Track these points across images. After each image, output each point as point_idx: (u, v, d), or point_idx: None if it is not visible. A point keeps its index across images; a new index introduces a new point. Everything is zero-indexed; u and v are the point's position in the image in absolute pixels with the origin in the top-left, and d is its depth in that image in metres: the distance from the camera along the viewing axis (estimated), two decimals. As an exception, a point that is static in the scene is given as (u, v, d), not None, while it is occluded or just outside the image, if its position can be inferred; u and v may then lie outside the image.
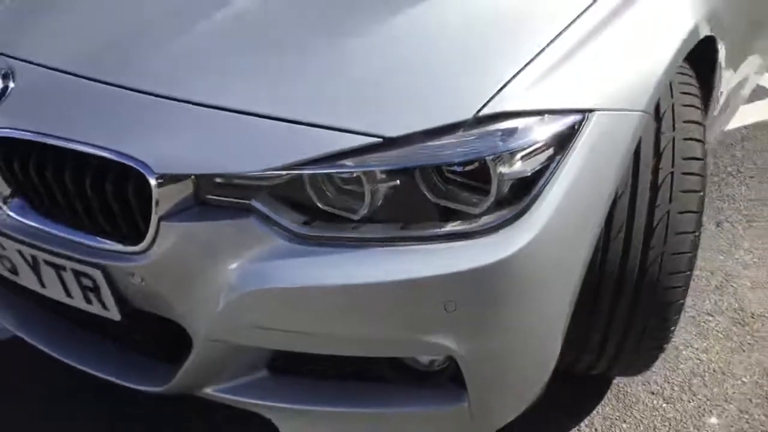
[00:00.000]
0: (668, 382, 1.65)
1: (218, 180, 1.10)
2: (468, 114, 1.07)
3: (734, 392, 1.63)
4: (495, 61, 1.13)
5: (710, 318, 1.84)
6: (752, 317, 1.84)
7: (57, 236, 1.22)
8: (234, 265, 1.11)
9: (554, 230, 1.10)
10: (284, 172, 1.07)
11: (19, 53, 1.30)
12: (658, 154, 1.28)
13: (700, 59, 1.51)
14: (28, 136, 1.19)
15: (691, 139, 1.31)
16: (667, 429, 1.55)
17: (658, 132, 1.29)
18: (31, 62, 1.27)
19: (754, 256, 2.05)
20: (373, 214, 1.10)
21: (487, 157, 1.06)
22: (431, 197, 1.09)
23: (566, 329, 1.26)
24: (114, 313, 1.24)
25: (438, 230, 1.09)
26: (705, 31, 1.41)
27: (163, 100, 1.15)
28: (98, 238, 1.19)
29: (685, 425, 1.56)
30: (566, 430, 1.55)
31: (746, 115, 2.75)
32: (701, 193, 1.30)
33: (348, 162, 1.07)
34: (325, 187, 1.10)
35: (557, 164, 1.10)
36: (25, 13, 1.46)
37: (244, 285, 1.11)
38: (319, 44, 1.20)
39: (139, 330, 1.31)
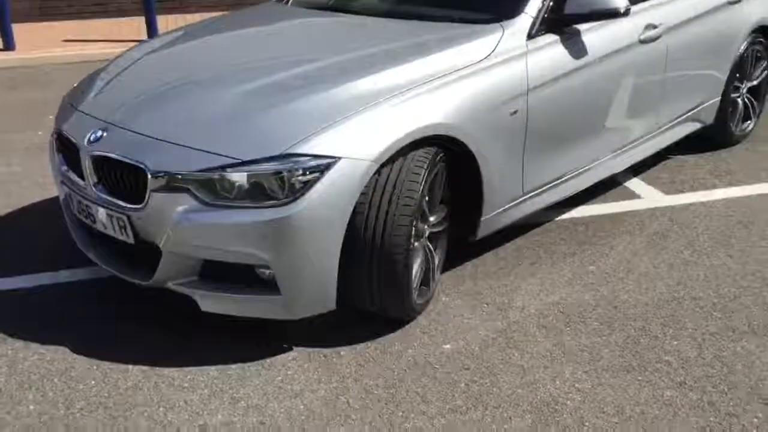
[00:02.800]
0: (440, 333, 2.86)
1: (177, 176, 2.53)
2: (279, 151, 2.48)
3: (470, 338, 2.82)
4: (300, 125, 2.55)
5: (486, 305, 3.03)
6: (511, 307, 3.01)
7: (112, 201, 2.70)
8: (178, 212, 2.52)
9: (313, 207, 2.46)
10: (201, 174, 2.50)
11: (108, 118, 2.84)
12: (394, 185, 2.60)
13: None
14: (107, 154, 2.69)
15: (413, 181, 2.63)
16: (419, 345, 2.75)
17: (399, 174, 2.62)
18: (113, 123, 2.80)
19: (539, 281, 3.21)
20: (240, 194, 2.49)
21: (285, 173, 2.44)
22: (267, 189, 2.47)
23: (341, 267, 2.57)
24: (131, 239, 2.69)
25: (266, 203, 2.47)
26: (443, 132, 2.73)
27: (154, 139, 2.64)
28: (125, 201, 2.66)
29: (428, 347, 2.76)
30: (358, 343, 2.78)
31: (605, 207, 3.92)
32: (413, 206, 2.61)
33: (228, 170, 2.48)
34: (219, 182, 2.50)
35: (318, 179, 2.46)
36: (116, 96, 3.02)
37: (181, 222, 2.53)
38: (221, 109, 2.67)
39: (141, 248, 2.73)
